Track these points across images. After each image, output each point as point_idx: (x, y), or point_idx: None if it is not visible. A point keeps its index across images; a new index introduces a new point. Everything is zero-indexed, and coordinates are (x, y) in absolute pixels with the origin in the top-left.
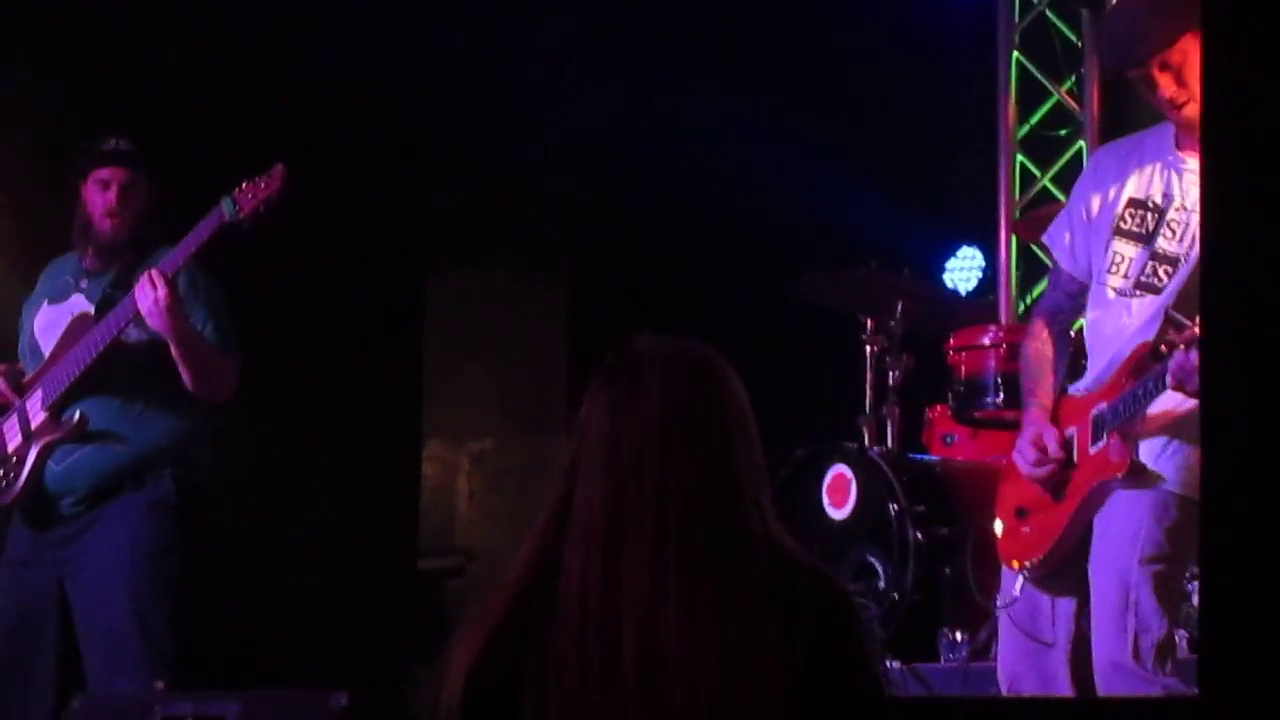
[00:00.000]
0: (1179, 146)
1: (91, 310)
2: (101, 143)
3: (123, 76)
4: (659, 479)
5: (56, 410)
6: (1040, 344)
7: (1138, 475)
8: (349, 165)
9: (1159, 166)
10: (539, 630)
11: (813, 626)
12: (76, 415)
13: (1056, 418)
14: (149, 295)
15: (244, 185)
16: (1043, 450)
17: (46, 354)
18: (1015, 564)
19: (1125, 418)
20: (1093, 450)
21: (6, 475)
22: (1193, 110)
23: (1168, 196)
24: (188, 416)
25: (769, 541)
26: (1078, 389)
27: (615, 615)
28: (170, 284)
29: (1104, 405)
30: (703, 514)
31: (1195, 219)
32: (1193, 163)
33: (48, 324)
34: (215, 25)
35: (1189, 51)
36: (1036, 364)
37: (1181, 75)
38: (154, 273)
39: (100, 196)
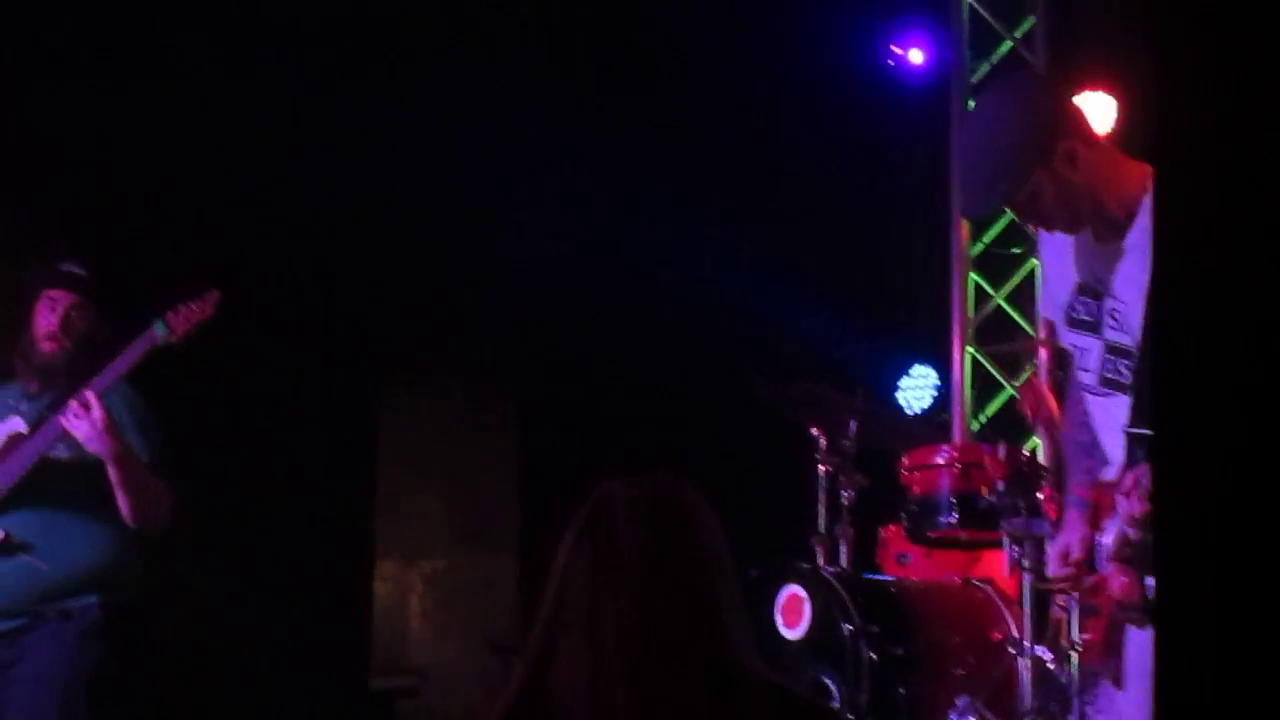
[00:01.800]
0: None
1: (26, 430)
2: (57, 263)
3: (72, 199)
4: (641, 631)
5: None
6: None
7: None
8: (300, 289)
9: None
10: None
11: None
12: (1, 532)
13: (1095, 514)
14: (84, 417)
15: (177, 308)
16: (1064, 557)
17: None
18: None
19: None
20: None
21: None
22: (1068, 227)
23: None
24: (116, 538)
25: (765, 681)
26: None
27: None
28: (102, 405)
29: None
30: (689, 659)
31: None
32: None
33: None
34: (166, 148)
35: (1040, 188)
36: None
37: (1037, 209)
38: (87, 393)
39: (46, 318)
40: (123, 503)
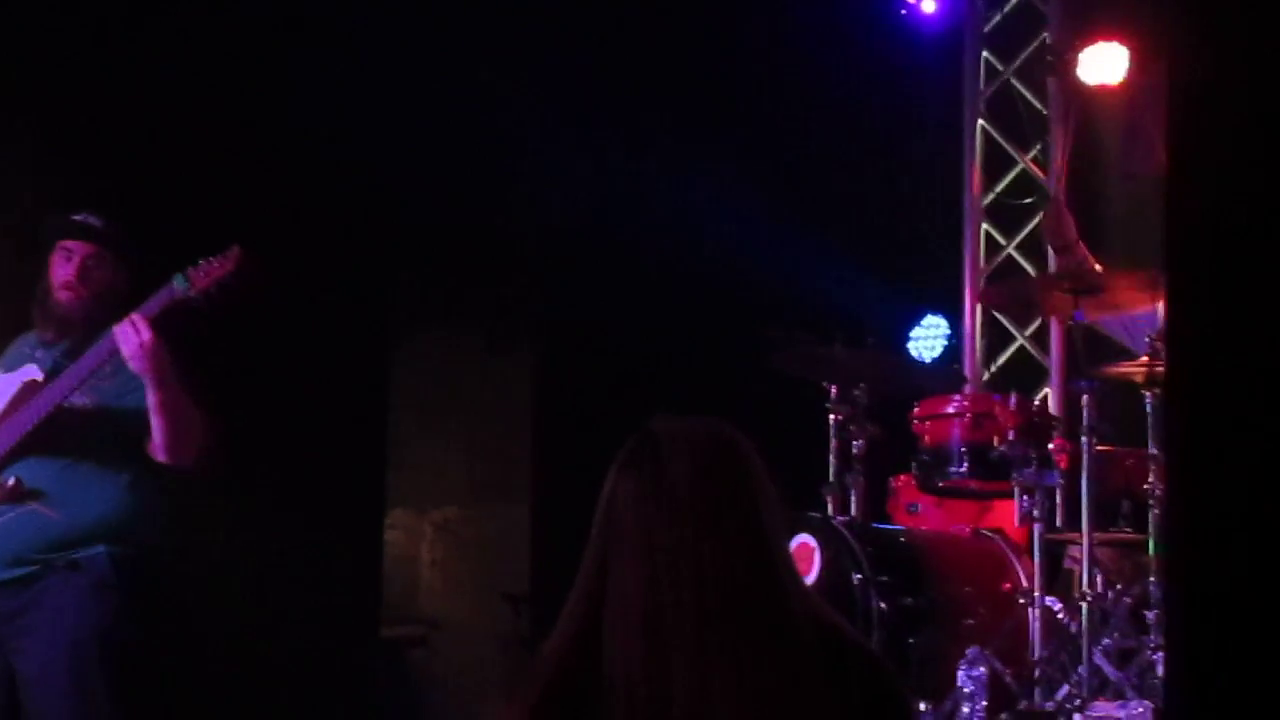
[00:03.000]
0: None
1: (41, 377)
2: (71, 214)
3: (92, 152)
4: (695, 565)
5: None
6: None
7: None
8: (315, 235)
9: None
10: (587, 712)
11: (868, 712)
12: (11, 479)
13: None
14: (133, 338)
15: (199, 263)
16: None
17: None
18: None
19: None
20: None
21: None
22: None
23: None
24: (131, 489)
25: (814, 618)
26: None
27: (664, 701)
28: (153, 328)
29: None
30: (743, 595)
31: None
32: None
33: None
34: (188, 101)
35: None
36: None
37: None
38: (136, 316)
39: (62, 268)
40: (159, 430)
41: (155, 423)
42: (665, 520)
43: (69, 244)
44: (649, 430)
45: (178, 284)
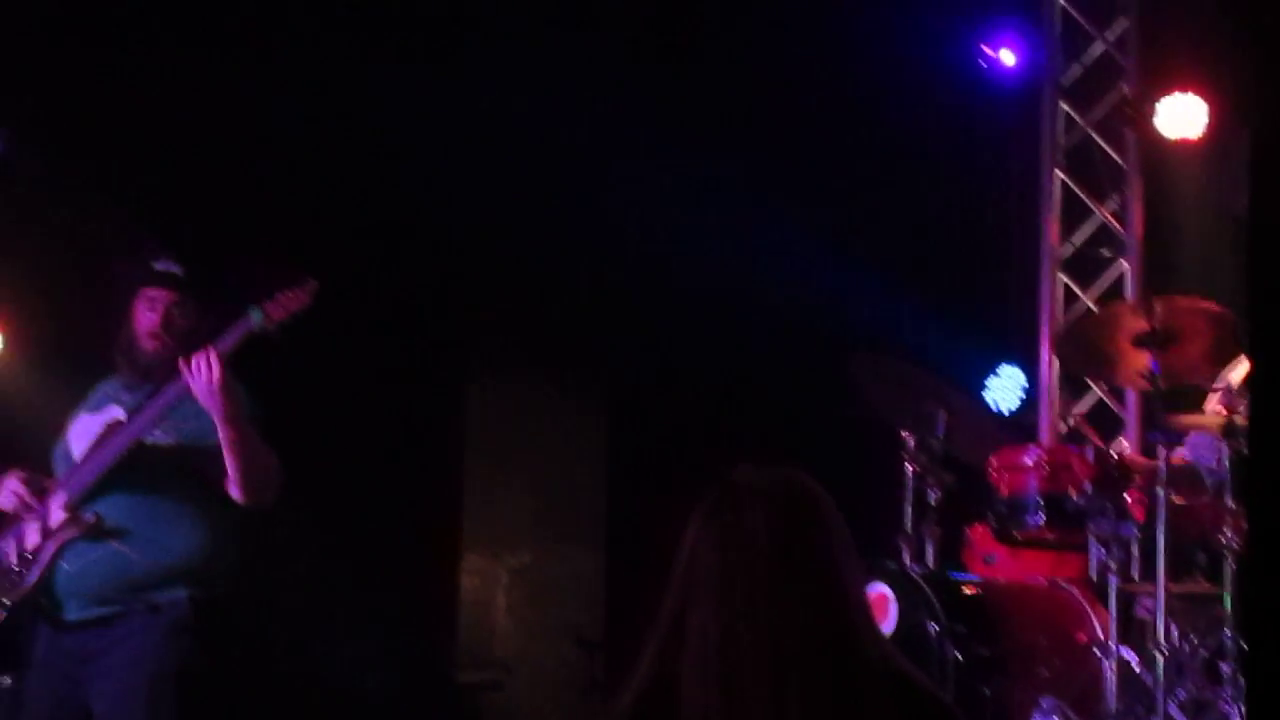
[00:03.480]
0: None
1: (124, 417)
2: (152, 261)
3: (162, 187)
4: (771, 611)
5: (74, 509)
6: None
7: None
8: (393, 278)
9: None
10: None
11: None
12: (92, 516)
13: None
14: (203, 374)
15: (275, 296)
16: None
17: (77, 458)
18: None
19: None
20: None
21: (21, 571)
22: None
23: None
24: (211, 530)
25: (888, 668)
26: None
27: None
28: (224, 364)
29: None
30: (818, 643)
31: None
32: None
33: (82, 431)
34: (261, 137)
35: None
36: None
37: None
38: (209, 351)
39: (146, 316)
40: (232, 469)
41: (229, 461)
42: (744, 570)
43: (152, 292)
44: (729, 480)
45: (254, 316)
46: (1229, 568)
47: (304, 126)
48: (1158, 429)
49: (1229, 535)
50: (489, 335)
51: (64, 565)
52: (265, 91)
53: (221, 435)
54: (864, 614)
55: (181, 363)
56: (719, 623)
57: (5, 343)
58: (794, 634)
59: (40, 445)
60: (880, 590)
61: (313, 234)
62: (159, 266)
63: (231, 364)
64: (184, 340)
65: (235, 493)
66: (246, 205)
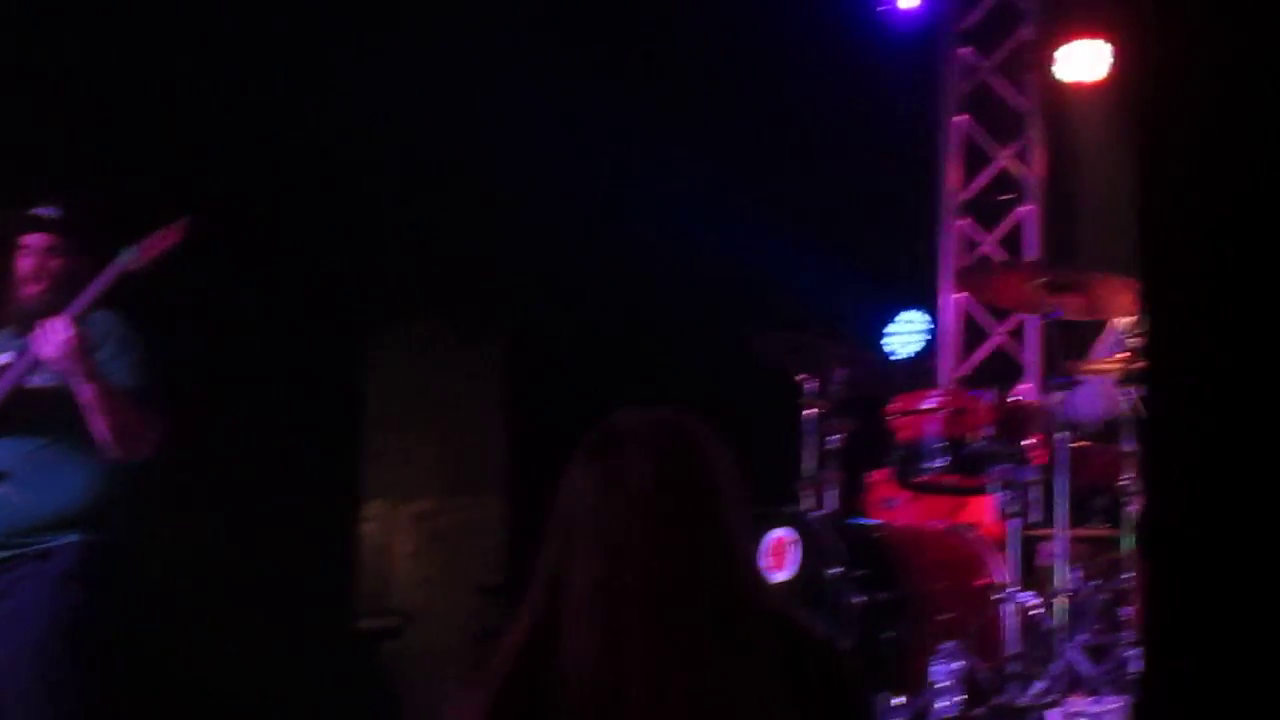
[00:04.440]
0: None
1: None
2: (26, 208)
3: (55, 132)
4: (652, 555)
5: None
6: None
7: None
8: (291, 226)
9: None
10: (542, 702)
11: (825, 706)
12: None
13: None
14: (51, 338)
15: (148, 234)
16: None
17: None
18: None
19: None
20: None
21: None
22: None
23: None
24: (100, 475)
25: (772, 612)
26: None
27: (619, 692)
28: (75, 327)
29: None
30: (699, 589)
31: None
32: None
33: None
34: (151, 79)
35: None
36: None
37: None
38: (57, 318)
39: (23, 263)
40: (96, 427)
41: (92, 418)
42: (623, 513)
43: (28, 239)
44: (610, 423)
45: (126, 255)
46: (1127, 512)
47: (193, 62)
48: (1057, 375)
49: (1128, 479)
50: (388, 280)
51: None
52: (151, 25)
53: (79, 395)
54: (747, 558)
55: (31, 336)
56: (597, 568)
57: None
58: (675, 578)
59: None
60: (781, 535)
61: (210, 177)
62: (33, 211)
63: (110, 303)
64: (60, 285)
65: (103, 445)
66: (132, 145)
